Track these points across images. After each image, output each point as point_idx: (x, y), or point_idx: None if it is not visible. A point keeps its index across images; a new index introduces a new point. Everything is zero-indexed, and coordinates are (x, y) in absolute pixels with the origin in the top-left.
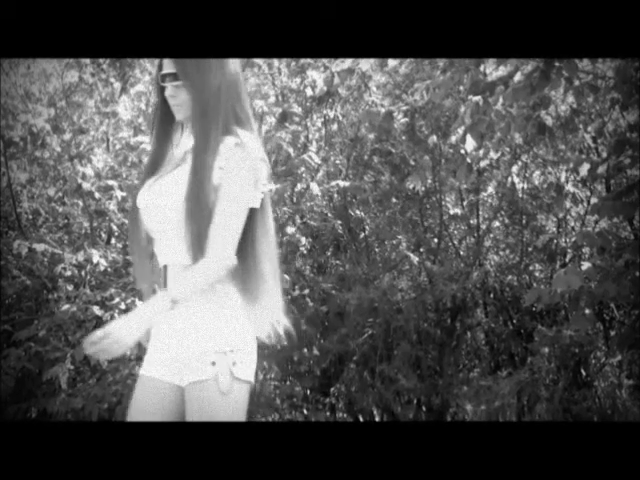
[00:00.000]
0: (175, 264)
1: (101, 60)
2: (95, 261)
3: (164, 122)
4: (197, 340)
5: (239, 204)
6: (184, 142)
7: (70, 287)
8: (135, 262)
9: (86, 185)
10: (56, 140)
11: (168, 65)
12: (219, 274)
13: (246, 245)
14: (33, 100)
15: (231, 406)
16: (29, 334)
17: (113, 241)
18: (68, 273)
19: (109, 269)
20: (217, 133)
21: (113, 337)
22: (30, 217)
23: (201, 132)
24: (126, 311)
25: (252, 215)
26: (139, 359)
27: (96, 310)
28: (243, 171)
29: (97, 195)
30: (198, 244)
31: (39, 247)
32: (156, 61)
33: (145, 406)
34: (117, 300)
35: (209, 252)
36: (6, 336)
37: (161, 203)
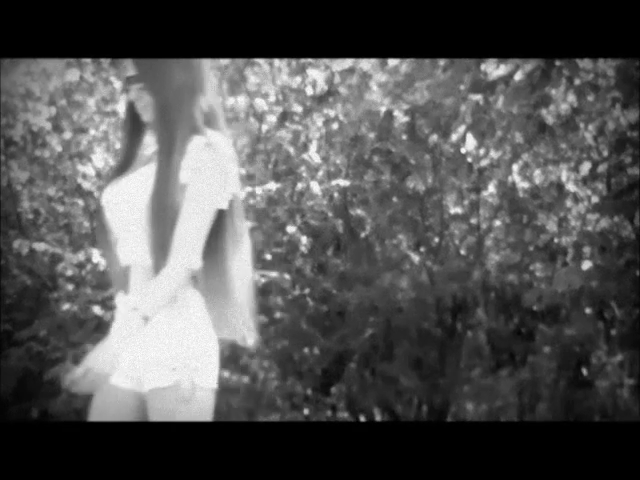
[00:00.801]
0: (138, 265)
1: (102, 59)
2: (95, 261)
3: (132, 124)
4: (157, 346)
5: (205, 205)
6: (152, 143)
7: (71, 287)
8: (107, 262)
9: (86, 184)
10: (56, 139)
11: (131, 68)
12: (185, 279)
13: (215, 247)
14: (33, 99)
15: (194, 414)
16: (30, 334)
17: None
18: (69, 273)
19: (109, 269)
20: (183, 133)
21: (94, 372)
22: (30, 216)
23: (164, 132)
24: None
25: (220, 217)
26: None
27: (97, 310)
28: (212, 171)
29: (97, 194)
30: (161, 245)
31: (39, 247)
32: None
33: (105, 414)
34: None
35: (173, 256)
36: (7, 336)
37: (125, 202)
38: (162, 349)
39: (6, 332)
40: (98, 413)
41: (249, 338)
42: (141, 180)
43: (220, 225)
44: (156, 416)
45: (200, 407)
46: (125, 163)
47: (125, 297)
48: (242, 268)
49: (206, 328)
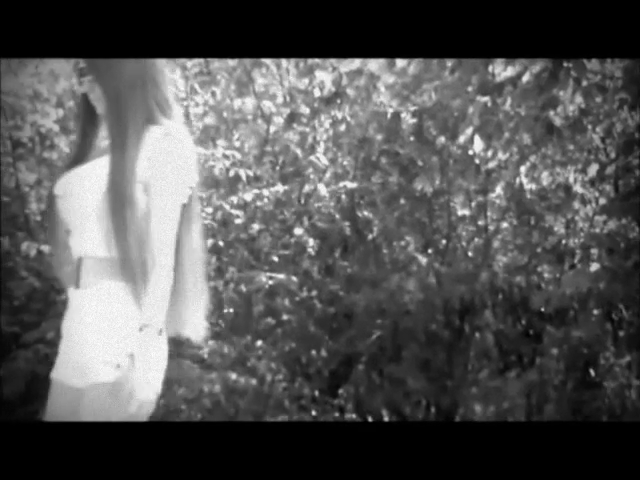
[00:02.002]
0: (91, 256)
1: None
2: None
3: (87, 115)
4: (103, 342)
5: (173, 201)
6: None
7: None
8: (53, 253)
9: None
10: (64, 141)
11: (82, 60)
12: (165, 280)
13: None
14: (41, 100)
15: (134, 411)
16: (37, 336)
17: None
18: None
19: None
20: (136, 124)
21: (144, 401)
22: (38, 218)
23: (116, 123)
24: None
25: (182, 210)
26: None
27: None
28: (173, 162)
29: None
30: (117, 236)
31: (47, 248)
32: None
33: (57, 411)
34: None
35: (157, 260)
36: (14, 338)
37: (79, 193)
38: (108, 345)
39: (14, 334)
40: (50, 410)
41: (200, 332)
42: (96, 171)
43: (182, 219)
44: (90, 412)
45: (141, 405)
46: (80, 154)
47: (77, 291)
48: (195, 261)
49: (156, 326)
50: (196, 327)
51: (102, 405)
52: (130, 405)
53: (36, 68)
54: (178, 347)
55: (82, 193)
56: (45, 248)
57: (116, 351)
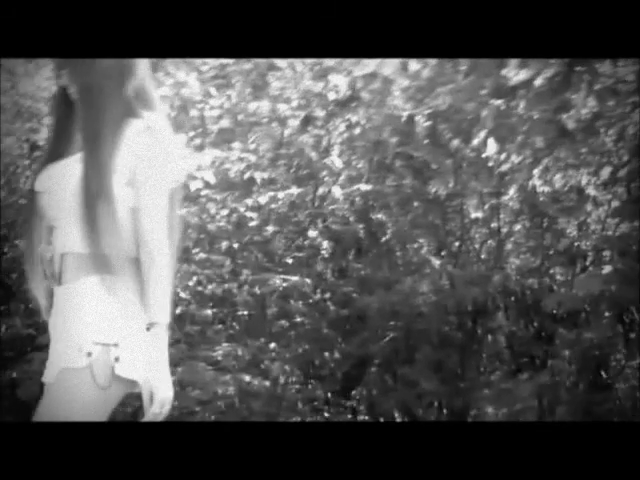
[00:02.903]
0: (72, 252)
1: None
2: None
3: (64, 109)
4: (79, 329)
5: (159, 197)
6: None
7: None
8: (27, 249)
9: None
10: None
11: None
12: (170, 267)
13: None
14: None
15: (104, 401)
16: None
17: None
18: None
19: None
20: (113, 116)
21: (165, 400)
22: None
23: (90, 116)
24: None
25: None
26: None
27: None
28: (155, 155)
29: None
30: (90, 231)
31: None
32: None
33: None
34: None
35: (156, 256)
36: (30, 340)
37: (59, 188)
38: (83, 333)
39: (29, 336)
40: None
41: (166, 316)
42: (75, 165)
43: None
44: (58, 395)
45: (113, 396)
46: (58, 148)
47: (59, 288)
48: (168, 257)
49: (134, 318)
50: (161, 311)
51: (77, 390)
52: (105, 394)
53: (52, 71)
54: (192, 349)
55: (62, 188)
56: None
57: (88, 339)
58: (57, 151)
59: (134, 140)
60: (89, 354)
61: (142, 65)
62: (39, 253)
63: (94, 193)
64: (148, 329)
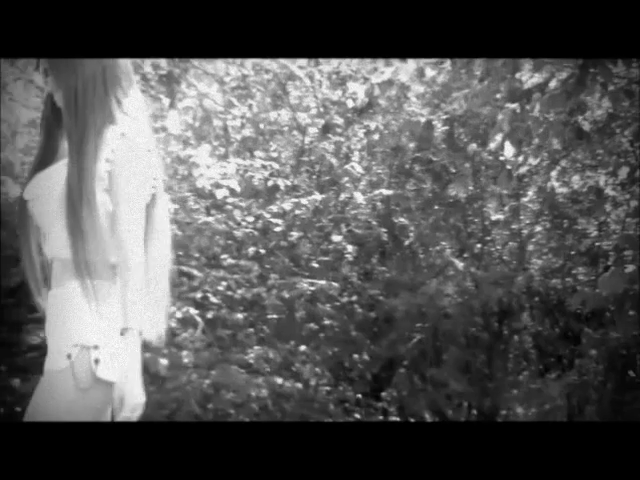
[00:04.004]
0: (58, 258)
1: (149, 76)
2: None
3: (51, 116)
4: (61, 332)
5: (135, 202)
6: None
7: None
8: (23, 257)
9: None
10: None
11: (45, 60)
12: (139, 280)
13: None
14: None
15: (88, 404)
16: None
17: None
18: None
19: None
20: (96, 123)
21: (137, 404)
22: None
23: (74, 122)
24: (182, 320)
25: (146, 210)
26: (196, 367)
27: None
28: (132, 163)
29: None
30: (74, 237)
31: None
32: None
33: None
34: (173, 309)
35: (125, 263)
36: None
37: (47, 196)
38: (65, 335)
39: None
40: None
41: (160, 334)
42: (61, 173)
43: (147, 218)
44: (44, 397)
45: (96, 398)
46: (46, 156)
47: (49, 293)
48: (159, 263)
49: (115, 320)
50: (156, 329)
51: (60, 393)
52: (87, 396)
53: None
54: (225, 353)
55: (49, 196)
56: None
57: (69, 341)
58: (45, 159)
59: (110, 146)
60: (69, 356)
61: (126, 71)
62: (32, 261)
63: (77, 199)
64: (122, 334)
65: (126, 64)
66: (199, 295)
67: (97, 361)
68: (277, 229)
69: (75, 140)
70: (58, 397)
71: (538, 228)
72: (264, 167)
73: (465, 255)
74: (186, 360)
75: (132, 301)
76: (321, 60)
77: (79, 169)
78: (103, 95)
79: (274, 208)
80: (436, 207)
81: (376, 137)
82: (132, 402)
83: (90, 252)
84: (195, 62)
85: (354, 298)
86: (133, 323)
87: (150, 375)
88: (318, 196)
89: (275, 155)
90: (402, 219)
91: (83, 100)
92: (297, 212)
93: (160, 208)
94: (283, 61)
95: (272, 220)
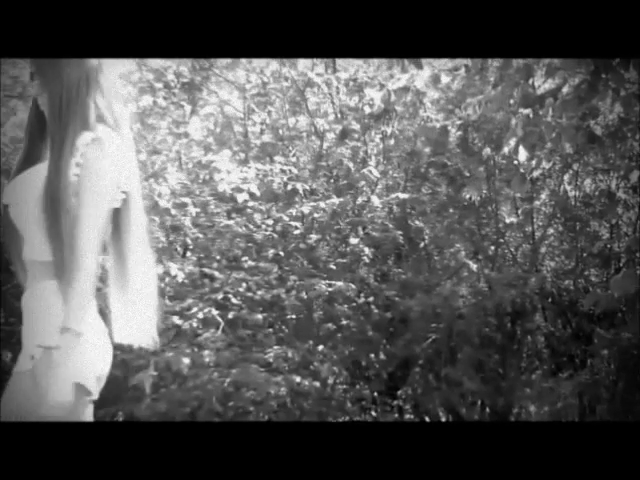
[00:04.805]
0: (30, 260)
1: (172, 84)
2: (173, 273)
3: (35, 120)
4: (29, 334)
5: (98, 207)
6: None
7: None
8: (12, 261)
9: (162, 202)
10: None
11: (31, 64)
12: (89, 282)
13: (113, 247)
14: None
15: (54, 406)
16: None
17: (189, 254)
18: None
19: (186, 281)
20: (75, 129)
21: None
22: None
23: (56, 128)
24: (204, 321)
25: (116, 216)
26: (217, 366)
27: (175, 319)
28: (100, 169)
29: (173, 211)
30: (55, 240)
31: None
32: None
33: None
34: (195, 310)
35: (77, 265)
36: None
37: (24, 199)
38: (30, 336)
39: None
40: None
41: (150, 341)
42: (37, 176)
43: (116, 224)
44: (10, 401)
45: (59, 400)
46: (28, 160)
47: (27, 293)
48: (143, 268)
49: (78, 321)
50: (146, 336)
51: (24, 394)
52: (50, 398)
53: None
54: (245, 352)
55: (26, 199)
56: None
57: (32, 342)
58: (27, 163)
59: (81, 151)
60: (32, 357)
61: (108, 79)
62: (17, 264)
63: (53, 203)
64: (61, 333)
65: (110, 71)
66: (220, 296)
67: (57, 362)
68: (296, 232)
69: (56, 144)
70: (22, 398)
71: (551, 230)
72: (283, 172)
73: (479, 257)
74: (207, 359)
75: (77, 303)
76: (339, 67)
77: (56, 174)
78: (84, 100)
79: (293, 211)
80: (451, 210)
81: (392, 142)
82: (59, 401)
83: (56, 254)
84: (216, 70)
85: (371, 299)
86: (73, 324)
87: (172, 374)
88: (336, 200)
89: (294, 160)
90: (417, 222)
91: (67, 105)
92: (315, 215)
93: (133, 214)
94: (301, 68)
95: (291, 223)
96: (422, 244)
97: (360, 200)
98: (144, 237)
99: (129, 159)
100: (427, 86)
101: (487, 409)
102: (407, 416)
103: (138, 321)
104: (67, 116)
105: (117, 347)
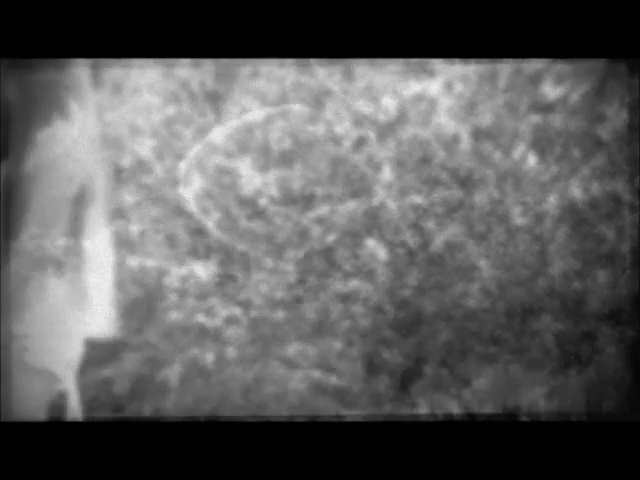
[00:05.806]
0: None
1: (196, 93)
2: (198, 273)
3: (5, 121)
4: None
5: (49, 202)
6: None
7: (176, 297)
8: None
9: (186, 206)
10: (159, 167)
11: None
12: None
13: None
14: (138, 132)
15: (29, 395)
16: (142, 340)
17: (212, 255)
18: (174, 285)
19: (209, 281)
20: (41, 125)
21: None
22: (137, 236)
23: (22, 126)
24: (228, 319)
25: (74, 206)
26: (240, 361)
27: (200, 318)
28: (55, 165)
29: (196, 215)
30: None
31: (149, 262)
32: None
33: None
34: (218, 308)
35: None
36: (122, 342)
37: None
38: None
39: (119, 338)
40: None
41: (110, 332)
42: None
43: (74, 216)
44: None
45: (32, 388)
46: None
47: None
48: (101, 264)
49: (49, 310)
50: (104, 327)
51: None
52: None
53: (132, 103)
54: (265, 346)
55: None
56: (147, 261)
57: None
58: None
59: (39, 149)
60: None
61: (79, 75)
62: None
63: (12, 199)
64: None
65: (83, 70)
66: (242, 296)
67: (26, 349)
68: (314, 234)
69: (19, 145)
70: None
71: (559, 233)
72: (302, 176)
73: (489, 258)
74: (230, 355)
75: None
76: (355, 76)
77: (16, 173)
78: (53, 99)
79: (311, 215)
80: (462, 213)
81: (406, 148)
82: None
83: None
84: (239, 79)
85: (386, 299)
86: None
87: (197, 370)
88: (352, 203)
89: (312, 165)
90: (430, 224)
91: (34, 104)
92: (332, 218)
93: (94, 209)
94: (320, 77)
95: (309, 226)
96: (434, 246)
97: (375, 203)
98: (106, 232)
99: (88, 153)
100: (440, 94)
101: (498, 405)
102: (421, 411)
103: (92, 312)
104: (34, 113)
105: (142, 344)
